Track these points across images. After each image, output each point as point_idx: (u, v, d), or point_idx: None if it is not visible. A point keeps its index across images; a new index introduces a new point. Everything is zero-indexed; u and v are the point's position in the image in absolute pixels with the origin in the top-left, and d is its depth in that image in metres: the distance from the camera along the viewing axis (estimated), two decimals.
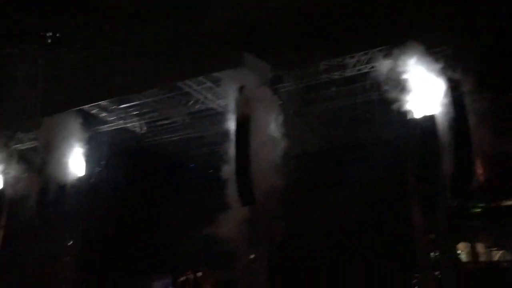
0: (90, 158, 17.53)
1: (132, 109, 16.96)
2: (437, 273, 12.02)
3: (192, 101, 15.99)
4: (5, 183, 18.50)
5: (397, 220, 13.43)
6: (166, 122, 17.55)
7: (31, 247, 16.46)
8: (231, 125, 14.01)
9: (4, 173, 18.45)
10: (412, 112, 12.45)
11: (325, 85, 15.08)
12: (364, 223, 14.57)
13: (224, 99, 15.00)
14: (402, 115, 12.62)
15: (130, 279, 16.20)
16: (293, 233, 13.13)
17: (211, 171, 16.95)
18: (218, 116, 16.36)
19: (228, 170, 13.82)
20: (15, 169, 18.57)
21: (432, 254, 12.08)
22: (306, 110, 16.02)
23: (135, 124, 17.53)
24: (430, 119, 12.31)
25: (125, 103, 16.47)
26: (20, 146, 19.22)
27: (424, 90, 12.34)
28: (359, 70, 14.12)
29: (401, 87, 12.53)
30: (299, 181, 13.79)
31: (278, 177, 13.21)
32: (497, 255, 14.14)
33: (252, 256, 13.43)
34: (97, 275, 15.98)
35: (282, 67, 14.72)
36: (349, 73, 14.23)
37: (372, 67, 13.60)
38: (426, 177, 12.50)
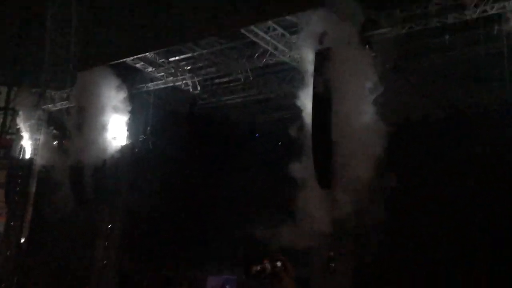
0: (133, 124, 17.66)
1: (184, 63, 16.83)
2: None
3: (258, 53, 15.50)
4: (34, 151, 18.77)
5: None
6: (225, 80, 17.29)
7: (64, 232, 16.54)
8: (309, 84, 13.62)
9: (33, 139, 18.72)
10: None
11: (436, 31, 14.03)
12: (481, 213, 13.14)
13: (300, 50, 14.45)
14: None
15: (181, 270, 16.42)
16: (388, 227, 12.38)
17: (280, 143, 16.75)
18: (291, 72, 16.14)
19: (303, 142, 13.50)
20: (45, 135, 19.11)
21: None
22: (408, 65, 15.32)
23: (187, 82, 17.21)
24: None
25: (176, 56, 16.36)
26: (52, 107, 19.53)
27: None
28: (483, 11, 12.86)
29: None
30: (398, 157, 13.03)
31: (369, 152, 12.61)
32: None
33: (331, 254, 13.50)
34: (142, 265, 15.75)
35: (378, 8, 14.03)
36: (469, 15, 13.04)
37: (503, 7, 12.51)
38: None
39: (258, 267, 2.66)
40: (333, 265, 13.51)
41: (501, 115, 13.56)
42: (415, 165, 13.80)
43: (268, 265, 2.65)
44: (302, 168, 13.53)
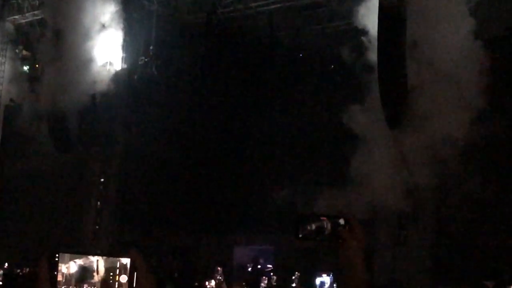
0: (131, 43, 15.20)
1: None
2: None
3: None
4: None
5: None
6: None
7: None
8: None
9: None
10: None
11: None
12: None
13: None
14: None
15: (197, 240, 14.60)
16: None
17: (333, 66, 14.58)
18: None
19: (367, 66, 12.57)
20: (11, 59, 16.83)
21: None
22: None
23: None
24: None
25: None
26: (20, 18, 17.01)
27: None
28: None
29: None
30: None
31: (465, 94, 11.86)
32: None
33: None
34: (144, 232, 14.27)
35: None
36: None
37: None
38: None
39: (314, 226, 2.16)
40: (405, 232, 12.92)
41: None
42: None
43: (327, 223, 2.15)
44: (362, 110, 12.36)
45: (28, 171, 15.32)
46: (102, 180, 14.82)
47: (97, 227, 14.79)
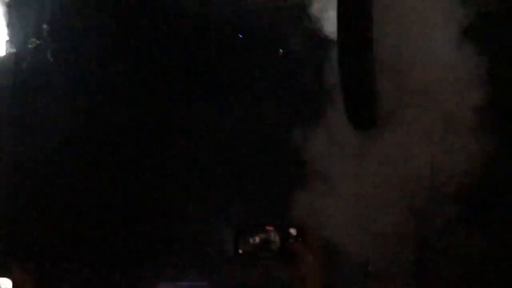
0: (18, 20, 12.29)
1: None
2: None
3: None
4: None
5: None
6: None
7: None
8: None
9: None
10: None
11: None
12: None
13: None
14: None
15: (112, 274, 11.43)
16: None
17: (281, 51, 12.45)
18: None
19: (322, 54, 10.93)
20: None
21: None
22: None
23: None
24: None
25: None
26: None
27: None
28: None
29: None
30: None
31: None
32: None
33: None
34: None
35: None
36: None
37: None
38: None
39: (258, 239, 1.96)
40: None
41: None
42: None
43: (275, 235, 1.96)
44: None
45: None
46: None
47: None
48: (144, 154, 11.52)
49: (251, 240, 1.95)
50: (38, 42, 11.66)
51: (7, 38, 11.94)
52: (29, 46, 11.77)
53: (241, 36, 11.51)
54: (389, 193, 10.03)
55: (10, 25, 11.93)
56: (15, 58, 11.92)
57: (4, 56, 11.88)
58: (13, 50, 11.93)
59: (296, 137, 10.29)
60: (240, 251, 1.94)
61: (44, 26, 11.67)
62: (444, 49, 10.29)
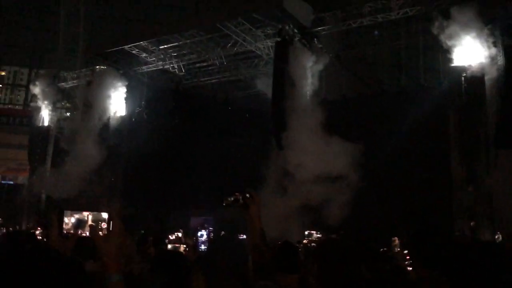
0: (131, 99, 21.69)
1: (171, 50, 20.61)
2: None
3: (230, 43, 19.26)
4: (51, 120, 23.51)
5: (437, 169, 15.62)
6: (204, 64, 21.05)
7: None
8: (269, 68, 17.47)
9: (51, 109, 22.93)
10: (458, 60, 14.73)
11: (368, 28, 17.60)
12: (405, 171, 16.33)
13: (263, 41, 18.34)
14: (448, 62, 15.01)
15: (168, 213, 19.94)
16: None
17: (247, 115, 20.47)
18: (257, 59, 19.93)
19: (265, 113, 17.13)
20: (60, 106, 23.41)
21: None
22: (346, 54, 18.71)
23: (174, 66, 21.13)
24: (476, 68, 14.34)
25: (165, 44, 20.02)
26: (65, 85, 23.74)
27: (472, 37, 14.37)
28: (405, 13, 16.29)
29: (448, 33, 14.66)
30: (336, 126, 16.14)
31: (313, 121, 16.04)
32: None
33: None
34: (137, 209, 19.11)
35: (324, 9, 17.27)
36: (393, 16, 16.44)
37: (419, 9, 16.04)
38: (468, 126, 14.46)
39: (232, 198, 3.03)
40: None
41: (416, 94, 17.24)
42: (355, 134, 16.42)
43: (240, 196, 3.02)
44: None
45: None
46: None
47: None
48: (185, 159, 20.18)
49: (229, 199, 2.91)
50: (139, 109, 21.83)
51: (126, 106, 21.64)
52: (135, 111, 21.81)
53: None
54: None
55: (127, 101, 21.70)
56: (129, 116, 21.66)
57: (124, 115, 21.81)
58: (128, 112, 21.69)
59: None
60: (224, 204, 2.91)
61: (142, 102, 21.90)
62: None
